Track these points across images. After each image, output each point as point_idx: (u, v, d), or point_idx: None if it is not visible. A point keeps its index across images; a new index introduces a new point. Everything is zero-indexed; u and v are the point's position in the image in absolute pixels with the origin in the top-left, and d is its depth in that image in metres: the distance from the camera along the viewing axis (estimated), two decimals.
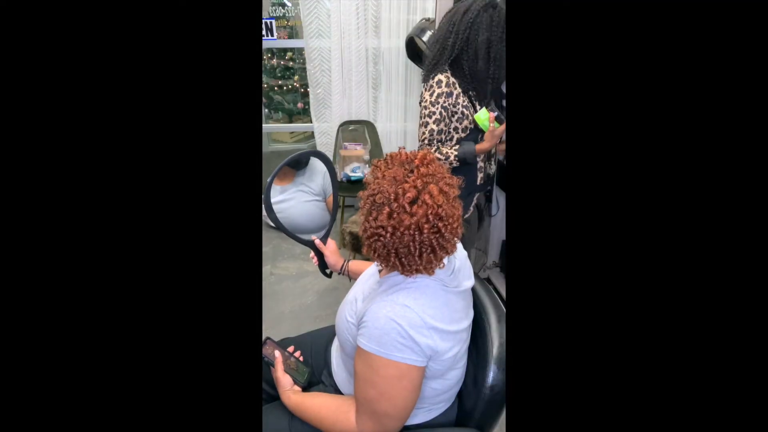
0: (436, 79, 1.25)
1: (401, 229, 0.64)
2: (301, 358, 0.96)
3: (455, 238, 0.69)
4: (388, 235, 0.65)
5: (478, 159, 1.36)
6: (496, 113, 1.24)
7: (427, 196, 0.64)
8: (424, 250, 0.67)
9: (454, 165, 1.29)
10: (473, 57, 1.22)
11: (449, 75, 1.26)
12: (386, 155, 0.72)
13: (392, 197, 0.64)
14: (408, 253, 0.67)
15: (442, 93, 1.24)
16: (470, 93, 1.30)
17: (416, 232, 0.65)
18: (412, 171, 0.67)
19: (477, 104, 1.34)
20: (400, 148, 0.72)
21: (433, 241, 0.66)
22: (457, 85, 1.26)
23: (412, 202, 0.64)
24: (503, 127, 1.24)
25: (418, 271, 0.69)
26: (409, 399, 0.71)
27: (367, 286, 0.80)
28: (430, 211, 0.64)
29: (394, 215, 0.64)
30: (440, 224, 0.65)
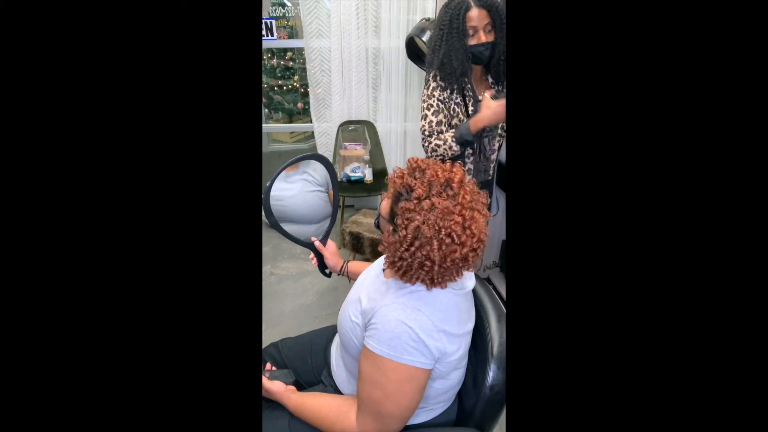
0: (432, 73, 1.31)
1: (448, 261, 0.65)
2: (273, 368, 0.96)
3: None
4: (436, 266, 0.66)
5: (489, 148, 1.39)
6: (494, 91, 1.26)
7: (474, 226, 0.65)
8: (460, 271, 0.69)
9: (454, 150, 1.29)
10: (428, 51, 1.34)
11: None
12: (411, 163, 0.70)
13: (442, 231, 0.64)
14: (447, 274, 0.68)
15: (437, 86, 1.30)
16: (464, 91, 1.32)
17: (462, 261, 0.66)
18: (455, 197, 0.66)
19: (471, 102, 1.34)
20: (429, 159, 0.71)
21: (470, 261, 0.68)
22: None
23: (461, 234, 0.65)
24: (499, 101, 1.21)
25: (441, 285, 0.70)
26: (414, 401, 0.71)
27: (373, 287, 0.79)
28: (475, 240, 0.65)
29: (443, 247, 0.64)
30: (479, 247, 0.67)
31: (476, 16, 1.20)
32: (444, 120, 1.31)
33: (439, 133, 1.32)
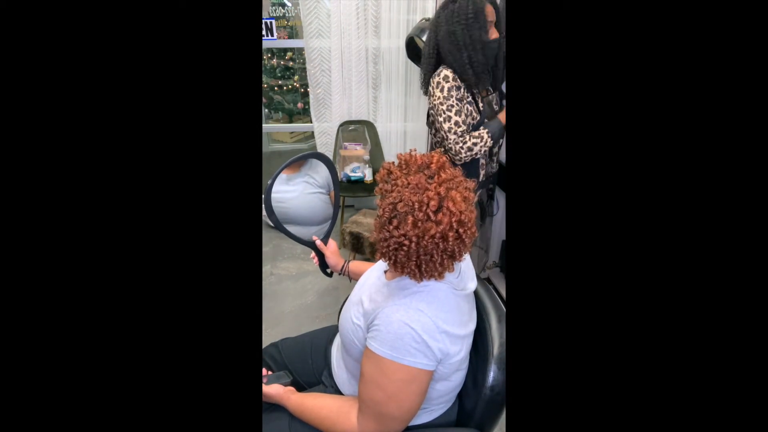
0: (442, 74, 1.27)
1: (426, 237, 0.64)
2: (269, 372, 0.96)
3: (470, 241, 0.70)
4: (413, 244, 0.65)
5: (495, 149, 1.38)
6: None
7: (450, 204, 0.64)
8: (446, 256, 0.67)
9: (488, 145, 1.29)
10: (447, 50, 1.27)
11: (453, 70, 1.28)
12: (399, 158, 0.71)
13: (416, 206, 0.63)
14: (430, 260, 0.67)
15: (452, 87, 1.27)
16: (473, 90, 1.32)
17: (440, 240, 0.64)
18: (432, 177, 0.66)
19: (480, 100, 1.34)
20: (411, 150, 0.72)
21: (455, 247, 0.66)
22: (459, 80, 1.28)
23: (437, 211, 0.64)
24: None
25: (432, 276, 0.69)
26: (416, 402, 0.71)
27: (374, 288, 0.79)
28: (453, 219, 0.64)
29: (419, 224, 0.64)
30: (461, 230, 0.65)
31: (491, 11, 1.22)
32: (460, 120, 1.29)
33: (471, 131, 1.31)
